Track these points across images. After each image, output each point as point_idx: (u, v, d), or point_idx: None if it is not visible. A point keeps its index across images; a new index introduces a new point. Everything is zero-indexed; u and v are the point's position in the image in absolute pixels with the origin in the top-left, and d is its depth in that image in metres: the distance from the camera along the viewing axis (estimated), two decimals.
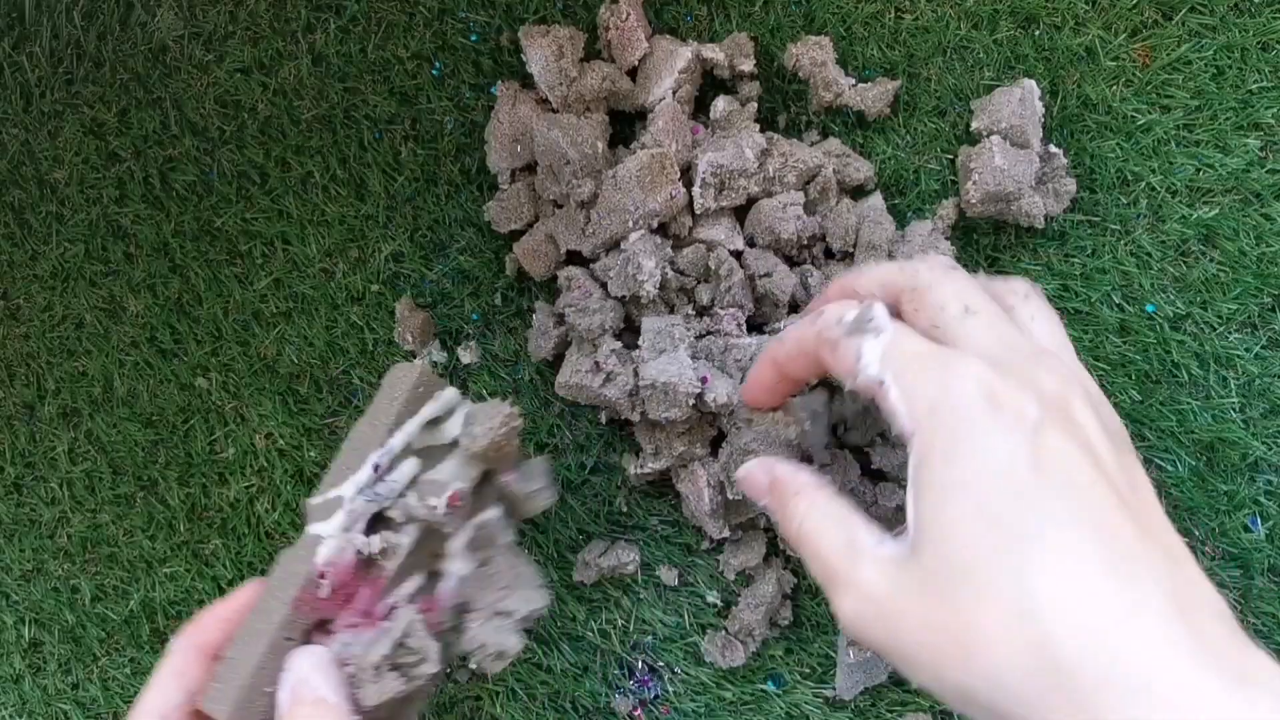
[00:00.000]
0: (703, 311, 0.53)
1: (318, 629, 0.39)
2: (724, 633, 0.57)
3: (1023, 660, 0.29)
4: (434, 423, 0.42)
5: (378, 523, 0.41)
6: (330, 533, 0.40)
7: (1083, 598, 0.29)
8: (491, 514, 0.44)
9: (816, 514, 0.37)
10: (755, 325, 0.53)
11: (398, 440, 0.41)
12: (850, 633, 0.34)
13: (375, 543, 0.40)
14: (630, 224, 0.51)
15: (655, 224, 0.51)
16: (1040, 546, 0.30)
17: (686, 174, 0.53)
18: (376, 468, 0.41)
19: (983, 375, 0.33)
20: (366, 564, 0.40)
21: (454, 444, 0.42)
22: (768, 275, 0.52)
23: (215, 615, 0.39)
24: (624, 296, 0.52)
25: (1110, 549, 0.30)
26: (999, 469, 0.31)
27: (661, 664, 0.58)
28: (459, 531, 0.42)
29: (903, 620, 0.32)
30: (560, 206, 0.54)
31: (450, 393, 0.43)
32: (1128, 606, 0.29)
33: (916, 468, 0.33)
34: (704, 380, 0.52)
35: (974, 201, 0.52)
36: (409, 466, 0.42)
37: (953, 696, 0.31)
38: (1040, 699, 0.29)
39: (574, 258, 0.55)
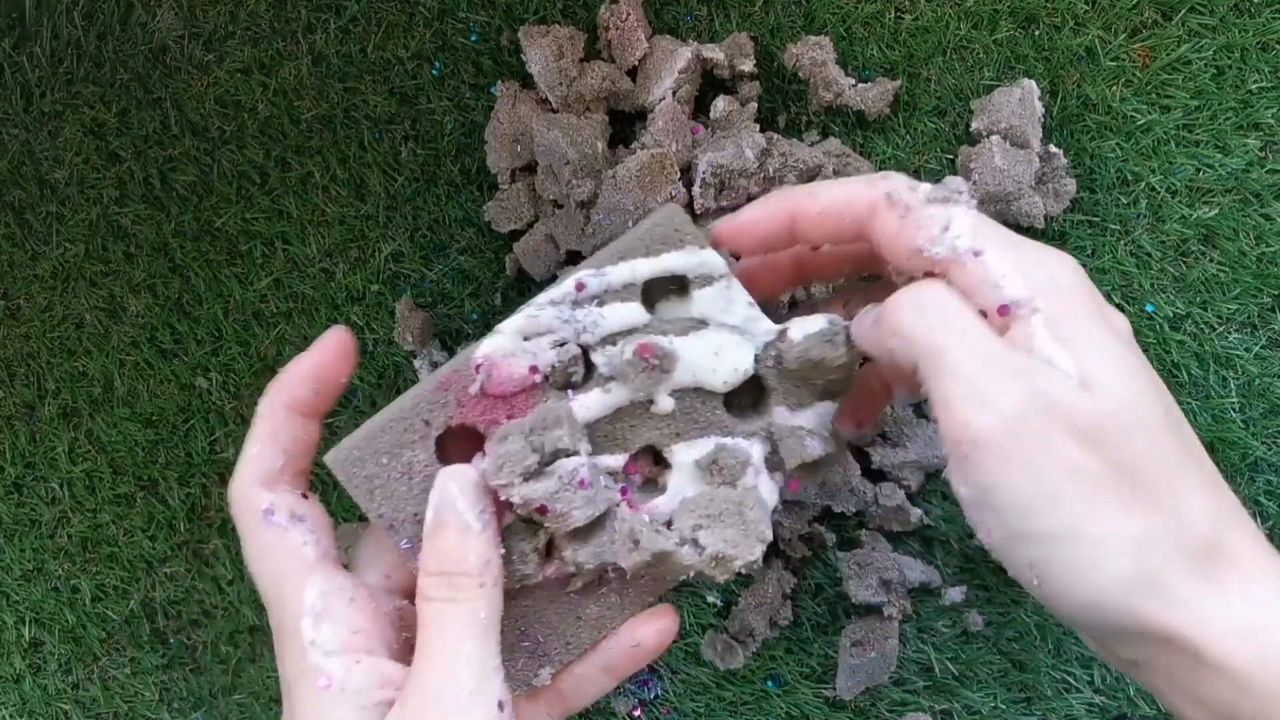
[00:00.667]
0: None
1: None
2: (724, 633, 0.57)
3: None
4: (682, 286, 0.37)
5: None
6: (503, 329, 0.36)
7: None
8: (745, 444, 0.37)
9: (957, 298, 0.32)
10: None
11: (619, 272, 0.36)
12: (978, 445, 0.30)
13: (549, 356, 0.36)
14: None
15: None
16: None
17: (686, 174, 0.53)
18: (580, 286, 0.36)
19: (1078, 270, 0.32)
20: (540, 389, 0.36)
21: (703, 323, 0.37)
22: None
23: (300, 369, 0.36)
24: None
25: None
26: (1136, 362, 0.31)
27: (661, 664, 0.58)
28: (688, 435, 0.37)
29: (1050, 473, 0.29)
30: (560, 206, 0.54)
31: (712, 258, 0.37)
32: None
33: (1048, 325, 0.30)
34: None
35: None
36: (627, 312, 0.37)
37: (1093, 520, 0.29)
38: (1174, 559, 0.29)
39: (574, 258, 0.55)
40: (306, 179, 0.59)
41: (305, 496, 0.37)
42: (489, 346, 0.36)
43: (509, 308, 0.59)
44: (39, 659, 0.64)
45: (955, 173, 0.54)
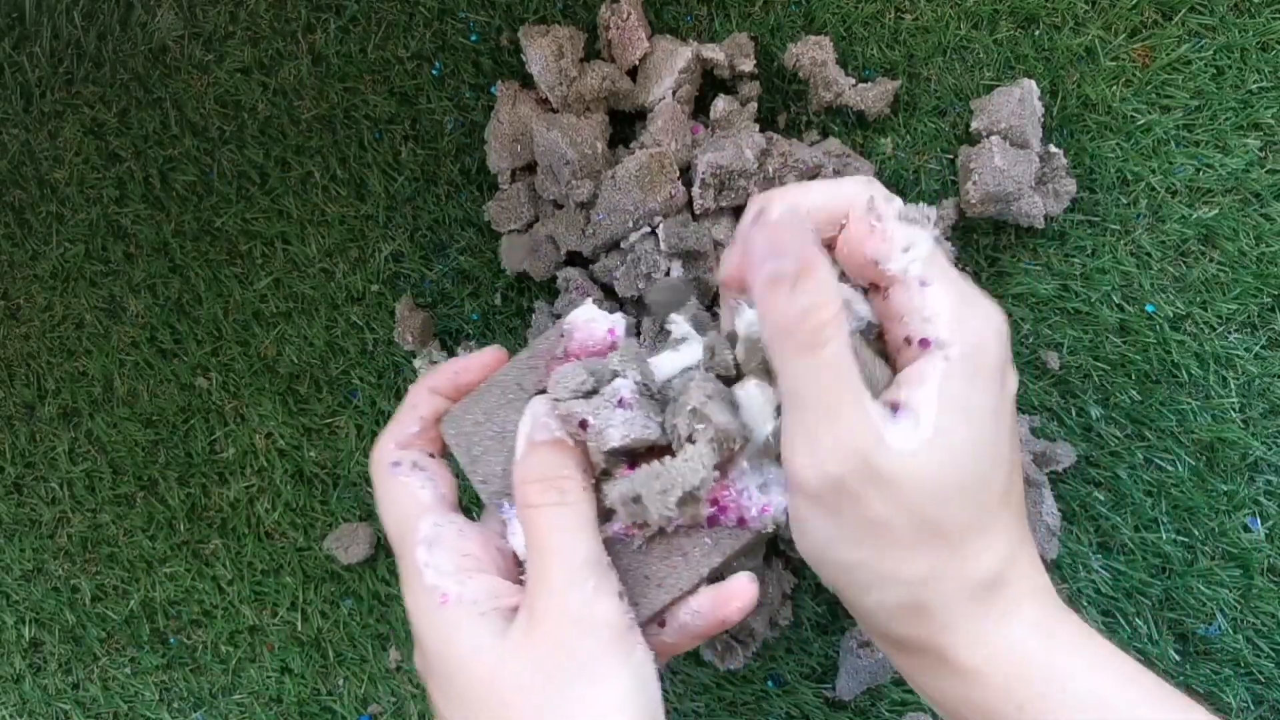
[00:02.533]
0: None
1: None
2: (724, 633, 0.57)
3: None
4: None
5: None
6: (586, 305, 0.40)
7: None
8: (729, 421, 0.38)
9: (842, 356, 0.34)
10: None
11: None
12: (804, 490, 0.35)
13: (620, 321, 0.39)
14: (630, 224, 0.51)
15: (656, 223, 0.51)
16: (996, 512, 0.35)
17: (686, 174, 0.53)
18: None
19: (1004, 331, 0.36)
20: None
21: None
22: None
23: (450, 367, 0.42)
24: (631, 296, 0.52)
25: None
26: (995, 431, 0.35)
27: (662, 664, 0.58)
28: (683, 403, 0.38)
29: (859, 518, 0.34)
30: (560, 207, 0.54)
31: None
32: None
33: (945, 376, 0.34)
34: None
35: (974, 201, 0.52)
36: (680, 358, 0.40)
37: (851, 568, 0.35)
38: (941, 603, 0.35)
39: (574, 258, 0.55)
40: (306, 179, 0.59)
41: (431, 455, 0.41)
42: (573, 315, 0.40)
43: (509, 307, 0.59)
44: (39, 659, 0.64)
45: (955, 173, 0.54)
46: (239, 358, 0.61)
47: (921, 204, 0.36)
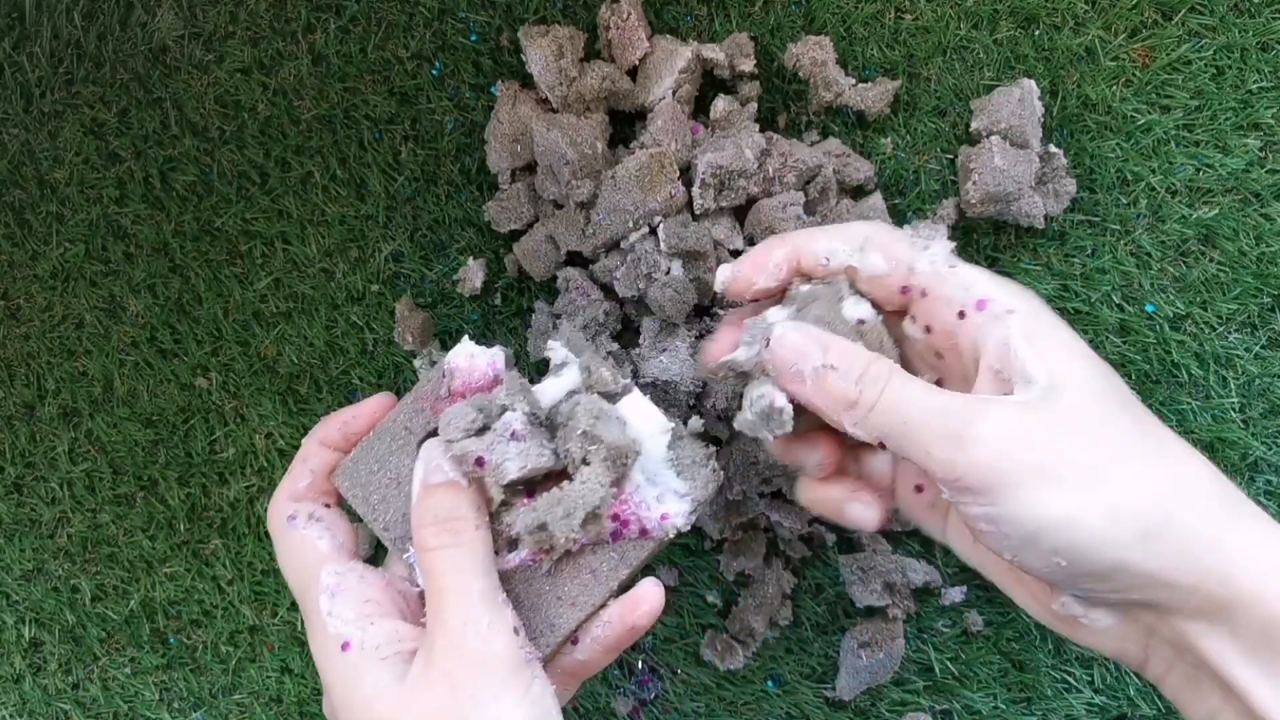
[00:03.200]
0: (703, 312, 0.53)
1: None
2: (724, 633, 0.57)
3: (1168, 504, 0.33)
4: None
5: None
6: (463, 343, 0.41)
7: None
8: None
9: (902, 373, 0.37)
10: None
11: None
12: (987, 454, 0.34)
13: (499, 355, 0.41)
14: (630, 224, 0.51)
15: (656, 223, 0.51)
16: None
17: (686, 174, 0.53)
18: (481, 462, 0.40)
19: (1033, 293, 0.38)
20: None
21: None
22: None
23: (337, 418, 0.43)
24: (632, 296, 0.52)
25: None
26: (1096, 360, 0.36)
27: (661, 664, 0.58)
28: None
29: (1065, 441, 0.34)
30: (560, 207, 0.54)
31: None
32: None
33: (1027, 332, 0.36)
34: (704, 383, 0.52)
35: (974, 202, 0.52)
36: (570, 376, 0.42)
37: (1090, 511, 0.33)
38: (1213, 508, 0.34)
39: (574, 258, 0.55)
40: (306, 179, 0.59)
41: (327, 506, 0.42)
42: (452, 354, 0.41)
43: (509, 307, 0.59)
44: (39, 659, 0.64)
45: (955, 173, 0.54)
46: (239, 358, 0.61)
47: (929, 221, 0.41)
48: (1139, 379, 0.54)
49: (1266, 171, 0.53)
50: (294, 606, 0.61)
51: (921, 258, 0.39)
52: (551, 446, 0.40)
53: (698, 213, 0.52)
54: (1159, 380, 0.54)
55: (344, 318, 0.60)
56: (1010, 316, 0.36)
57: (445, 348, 0.59)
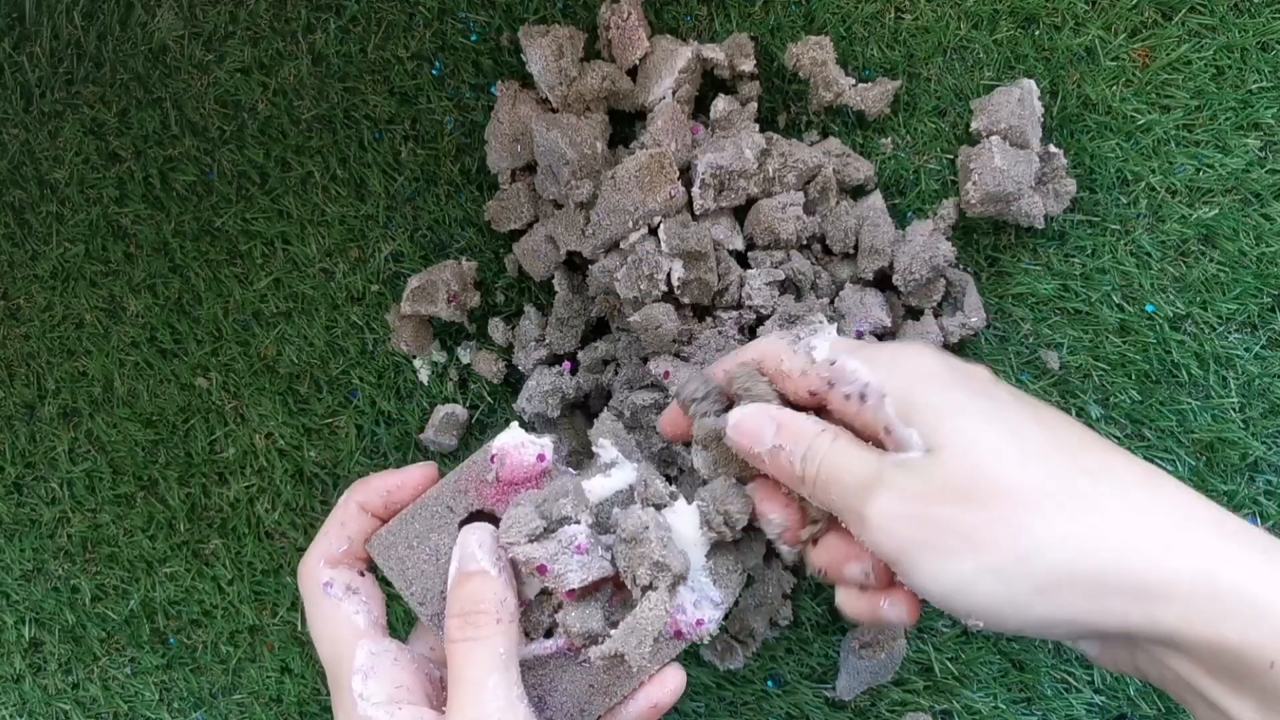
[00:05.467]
0: (703, 313, 0.53)
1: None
2: (724, 633, 0.57)
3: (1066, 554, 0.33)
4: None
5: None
6: (512, 429, 0.42)
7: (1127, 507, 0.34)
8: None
9: (842, 443, 0.39)
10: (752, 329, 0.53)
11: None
12: (880, 535, 0.36)
13: (549, 446, 0.42)
14: (630, 224, 0.51)
15: (656, 224, 0.51)
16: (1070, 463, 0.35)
17: (686, 174, 0.53)
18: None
19: (926, 351, 0.39)
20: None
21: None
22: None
23: (379, 482, 0.43)
24: (634, 298, 0.52)
25: (1105, 446, 0.36)
26: (982, 392, 0.37)
27: None
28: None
29: (939, 511, 0.34)
30: (560, 206, 0.54)
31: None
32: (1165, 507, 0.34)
33: (901, 402, 0.37)
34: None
35: (974, 202, 0.52)
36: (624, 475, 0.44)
37: (980, 578, 0.34)
38: (1090, 555, 0.33)
39: (574, 258, 0.55)
40: (306, 179, 0.59)
41: (362, 574, 0.43)
42: (502, 440, 0.42)
43: (509, 307, 0.59)
44: (39, 659, 0.64)
45: (955, 173, 0.54)
46: (239, 358, 0.61)
47: (817, 321, 0.44)
48: (1139, 379, 0.54)
49: (1266, 171, 0.53)
50: (294, 606, 0.61)
51: (810, 359, 0.41)
52: (608, 556, 0.41)
53: (698, 213, 0.52)
54: (1159, 380, 0.54)
55: (344, 318, 0.60)
56: (885, 400, 0.38)
57: (445, 348, 0.59)
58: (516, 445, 0.41)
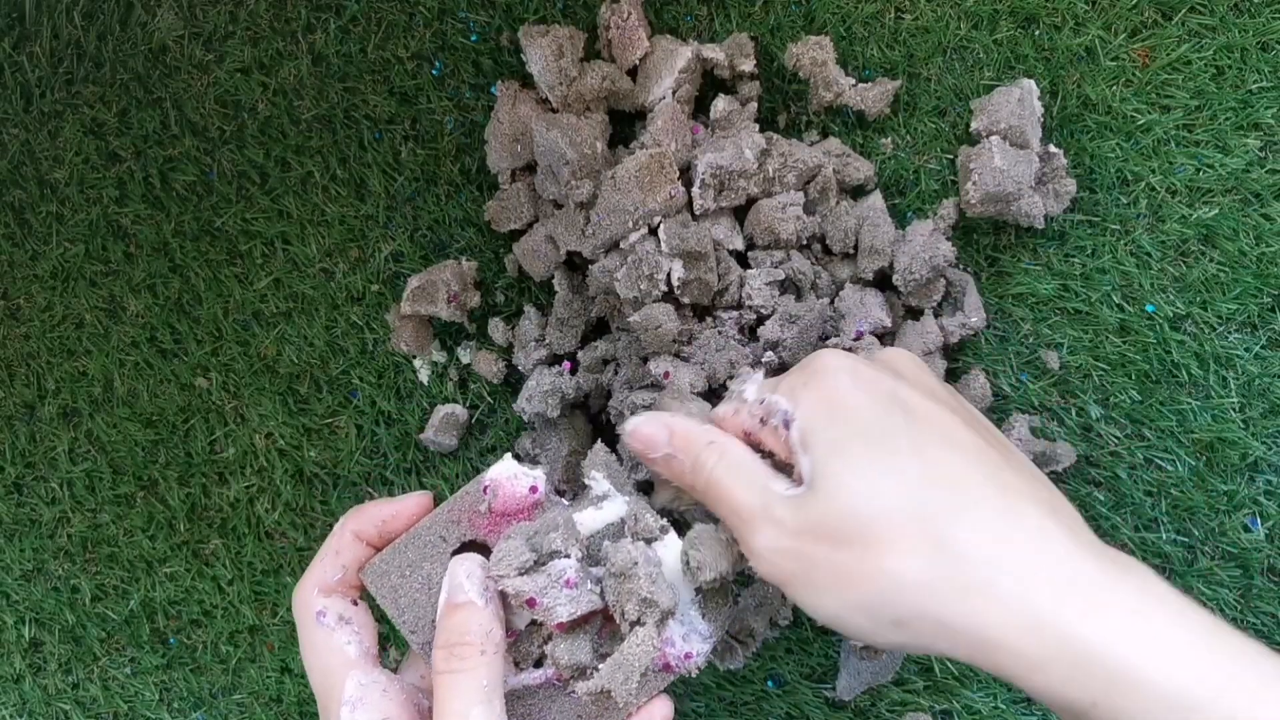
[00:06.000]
0: (703, 313, 0.53)
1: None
2: (724, 634, 0.57)
3: (920, 565, 0.35)
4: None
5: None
6: (506, 460, 0.43)
7: (979, 521, 0.36)
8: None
9: (730, 460, 0.40)
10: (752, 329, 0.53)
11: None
12: (764, 566, 0.38)
13: (541, 478, 0.42)
14: (630, 224, 0.51)
15: (656, 224, 0.51)
16: (935, 486, 0.37)
17: (686, 174, 0.53)
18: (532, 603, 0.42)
19: (840, 357, 0.40)
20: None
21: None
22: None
23: (374, 511, 0.43)
24: (634, 298, 0.52)
25: (986, 476, 0.37)
26: (873, 424, 0.38)
27: None
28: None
29: (813, 549, 0.37)
30: (560, 206, 0.54)
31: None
32: (1014, 521, 0.36)
33: (802, 431, 0.39)
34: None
35: (974, 202, 0.52)
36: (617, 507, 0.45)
37: (847, 612, 0.37)
38: (937, 595, 0.35)
39: (574, 258, 0.55)
40: (306, 179, 0.59)
41: (355, 604, 0.43)
42: (495, 471, 0.42)
43: (509, 307, 0.59)
44: (39, 659, 0.64)
45: (955, 173, 0.54)
46: (239, 358, 0.61)
47: (746, 372, 0.46)
48: (1139, 379, 0.54)
49: (1266, 171, 0.53)
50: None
51: (742, 401, 0.42)
52: (597, 589, 0.42)
53: (698, 213, 0.52)
54: (1159, 380, 0.54)
55: (344, 318, 0.60)
56: (793, 427, 0.39)
57: (445, 348, 0.59)
58: (510, 477, 0.42)
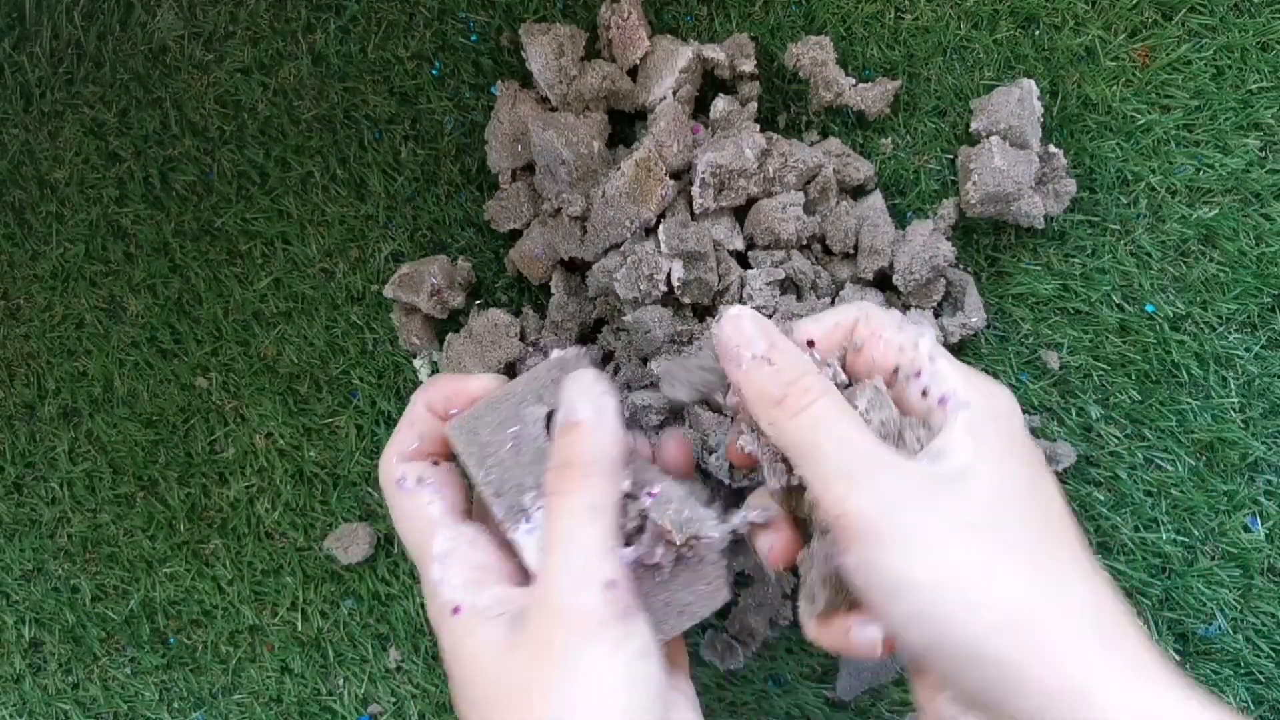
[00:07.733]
0: (703, 313, 0.53)
1: None
2: (724, 633, 0.57)
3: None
4: None
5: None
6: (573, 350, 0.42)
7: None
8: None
9: (837, 396, 0.38)
10: None
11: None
12: (875, 510, 0.35)
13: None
14: (627, 235, 0.51)
15: (651, 226, 0.52)
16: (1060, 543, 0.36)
17: (687, 174, 0.53)
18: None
19: (1014, 399, 0.39)
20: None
21: None
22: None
23: (448, 386, 0.43)
24: (634, 298, 0.52)
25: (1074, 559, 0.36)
26: (1030, 476, 0.37)
27: None
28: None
29: (942, 517, 0.34)
30: (559, 212, 0.55)
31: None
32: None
33: (972, 421, 0.37)
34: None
35: (973, 202, 0.52)
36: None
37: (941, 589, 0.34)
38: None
39: (572, 263, 0.55)
40: (306, 179, 0.59)
41: (435, 463, 0.42)
42: (564, 352, 0.41)
43: (509, 307, 0.59)
44: (39, 659, 0.64)
45: (955, 173, 0.54)
46: (239, 358, 0.61)
47: (916, 313, 0.43)
48: (1139, 379, 0.54)
49: (1266, 171, 0.53)
50: (294, 606, 0.61)
51: (908, 347, 0.39)
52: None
53: (697, 213, 0.52)
54: (1159, 380, 0.54)
55: (344, 318, 0.60)
56: (963, 410, 0.37)
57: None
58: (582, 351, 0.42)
